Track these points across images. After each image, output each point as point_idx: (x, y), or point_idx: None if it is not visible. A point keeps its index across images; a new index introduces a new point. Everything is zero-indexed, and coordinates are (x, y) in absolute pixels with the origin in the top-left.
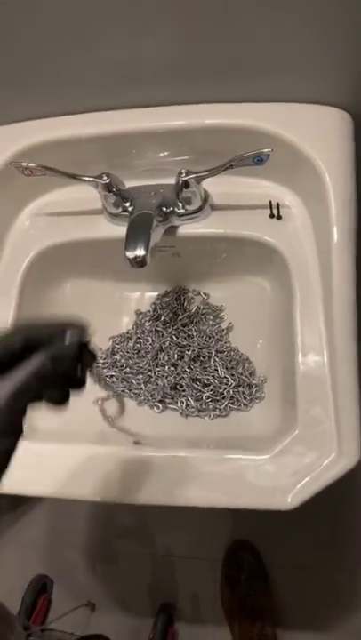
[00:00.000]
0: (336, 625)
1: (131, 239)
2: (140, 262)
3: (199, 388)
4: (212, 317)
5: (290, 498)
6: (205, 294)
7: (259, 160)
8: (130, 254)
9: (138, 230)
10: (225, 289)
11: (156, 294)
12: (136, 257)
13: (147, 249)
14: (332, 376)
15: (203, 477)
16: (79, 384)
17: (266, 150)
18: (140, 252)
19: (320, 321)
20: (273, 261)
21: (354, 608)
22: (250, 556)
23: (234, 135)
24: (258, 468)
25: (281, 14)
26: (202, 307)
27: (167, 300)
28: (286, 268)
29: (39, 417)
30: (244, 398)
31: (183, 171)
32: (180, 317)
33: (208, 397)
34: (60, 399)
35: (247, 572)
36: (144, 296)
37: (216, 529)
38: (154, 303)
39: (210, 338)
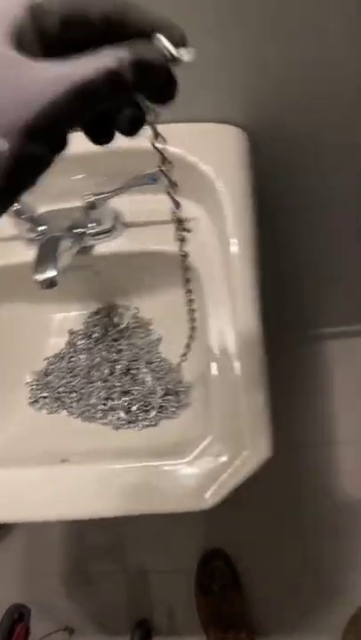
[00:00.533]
0: (309, 627)
1: (38, 262)
2: (49, 284)
3: (129, 400)
4: (142, 330)
5: (207, 497)
6: (136, 308)
7: (154, 179)
8: (38, 277)
9: (45, 253)
10: (153, 302)
11: (87, 312)
12: (45, 279)
13: (55, 270)
14: (242, 379)
15: (126, 487)
16: (168, 96)
17: (153, 171)
18: (49, 273)
19: (230, 326)
20: (187, 271)
21: (325, 609)
22: (222, 564)
23: (136, 156)
24: (177, 473)
25: None
26: (132, 321)
27: (98, 317)
28: (198, 278)
29: None
30: (172, 406)
31: (88, 193)
32: (111, 333)
33: (138, 409)
34: (130, 122)
35: (220, 580)
36: (76, 315)
37: (188, 540)
38: (86, 321)
39: (141, 350)
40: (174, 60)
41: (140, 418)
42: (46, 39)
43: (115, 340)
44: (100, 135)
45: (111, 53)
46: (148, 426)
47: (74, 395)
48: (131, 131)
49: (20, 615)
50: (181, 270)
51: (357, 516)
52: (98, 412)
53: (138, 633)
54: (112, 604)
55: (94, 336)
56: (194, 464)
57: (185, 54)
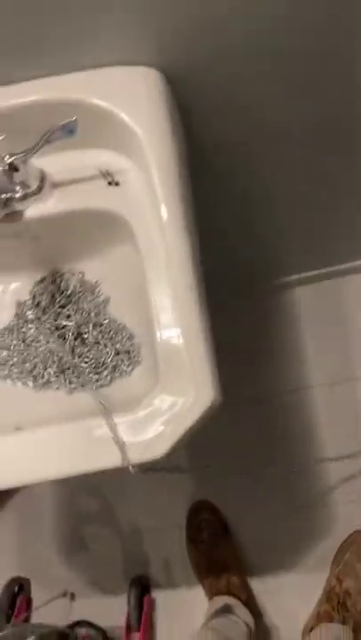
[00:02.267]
0: (299, 563)
1: None
2: None
3: (80, 363)
4: (89, 294)
5: (160, 446)
6: (80, 272)
7: (70, 131)
8: None
9: None
10: (97, 263)
11: (32, 281)
12: None
13: None
14: (182, 328)
15: (81, 446)
16: None
17: (70, 120)
18: None
19: (167, 279)
20: (122, 228)
21: (313, 545)
22: (209, 515)
23: (52, 110)
24: (128, 427)
25: None
26: (78, 285)
27: (44, 284)
28: (132, 232)
29: None
30: (124, 365)
31: (5, 154)
32: (58, 299)
33: (90, 371)
34: None
35: (208, 528)
36: (21, 286)
37: (176, 494)
38: (32, 290)
39: (89, 313)
40: None
41: (92, 379)
42: None
43: (63, 307)
44: None
45: None
46: (101, 386)
47: (27, 365)
48: None
49: (19, 587)
50: (115, 227)
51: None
52: (51, 378)
53: (133, 591)
54: (109, 565)
55: (42, 304)
56: (142, 417)
57: None
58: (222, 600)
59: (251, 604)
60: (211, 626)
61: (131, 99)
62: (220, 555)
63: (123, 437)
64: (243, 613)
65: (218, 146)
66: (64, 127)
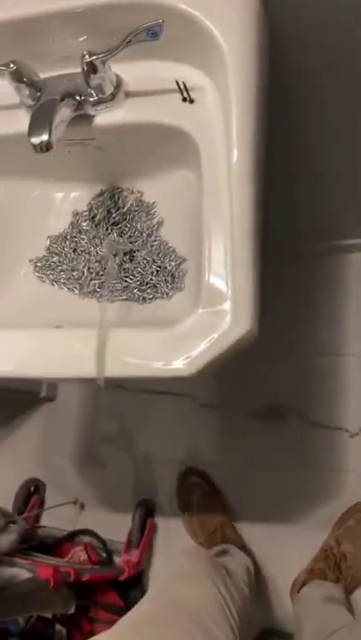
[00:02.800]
0: (302, 519)
1: (33, 125)
2: (43, 147)
3: (125, 277)
4: (144, 214)
5: (189, 365)
6: (139, 192)
7: (153, 34)
8: (33, 140)
9: (40, 116)
10: (157, 185)
11: (91, 194)
12: (41, 142)
13: (49, 133)
14: (233, 258)
15: (112, 351)
16: None
17: (157, 21)
18: (44, 137)
19: (225, 208)
20: (189, 149)
21: (317, 505)
22: (197, 479)
23: (137, 12)
24: (161, 342)
25: None
26: (135, 204)
27: (101, 199)
28: (198, 156)
29: None
30: (167, 287)
31: (86, 52)
32: (114, 215)
33: (135, 287)
34: None
35: (198, 491)
36: (80, 196)
37: (196, 432)
38: (89, 203)
39: (141, 233)
40: None
41: (135, 296)
42: None
43: (116, 224)
44: None
45: None
46: (143, 302)
47: (75, 273)
48: None
49: (35, 488)
50: (183, 146)
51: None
52: (96, 288)
53: (139, 510)
54: (120, 485)
55: (97, 218)
56: (177, 334)
57: None
58: (219, 547)
59: (247, 549)
60: (210, 556)
61: (223, 12)
62: (211, 514)
63: (153, 350)
64: (240, 555)
65: (300, 79)
66: (149, 29)
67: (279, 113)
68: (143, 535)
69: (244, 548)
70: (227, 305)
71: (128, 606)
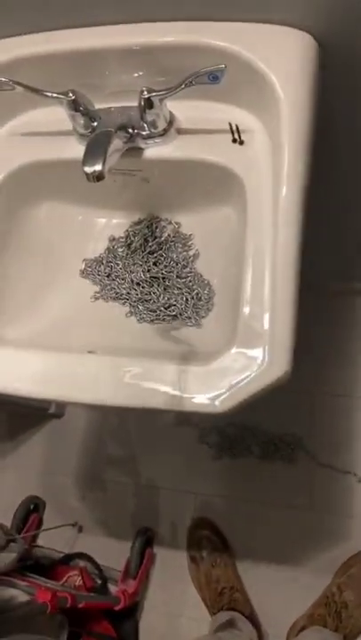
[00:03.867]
0: (304, 564)
1: (88, 154)
2: (96, 177)
3: (159, 306)
4: (180, 245)
5: (221, 403)
6: (177, 223)
7: (214, 78)
8: (87, 169)
9: (96, 146)
10: (195, 218)
11: (129, 222)
12: (94, 171)
13: (103, 164)
14: (273, 297)
15: (142, 383)
16: None
17: (219, 66)
18: (97, 167)
19: (268, 248)
20: (234, 188)
21: (321, 549)
22: (208, 532)
23: (200, 55)
24: (195, 376)
25: None
26: (172, 235)
27: (139, 227)
28: (244, 195)
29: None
30: (199, 316)
31: (145, 89)
32: (151, 244)
33: (167, 315)
34: None
35: (208, 545)
36: (118, 223)
37: (201, 463)
38: (127, 230)
39: (177, 264)
40: None
41: (165, 320)
42: None
43: (152, 253)
44: None
45: None
46: (171, 330)
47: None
48: None
49: (35, 506)
50: (228, 185)
51: None
52: (127, 314)
53: (140, 539)
54: (121, 511)
55: (133, 245)
56: (213, 371)
57: None
58: (226, 615)
59: (253, 618)
60: (216, 636)
61: (283, 62)
62: (220, 571)
63: (186, 384)
64: (246, 627)
65: (345, 131)
66: (210, 73)
67: (322, 156)
68: (142, 565)
69: (251, 615)
70: (265, 345)
71: (120, 636)
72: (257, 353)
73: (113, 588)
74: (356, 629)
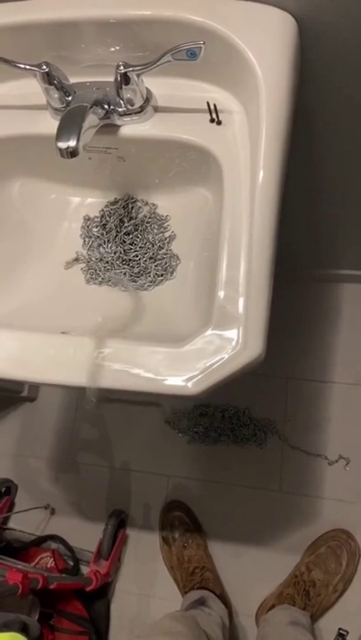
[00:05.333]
0: (273, 543)
1: (62, 130)
2: (70, 152)
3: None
4: (156, 226)
5: (194, 385)
6: (153, 204)
7: (192, 54)
8: (60, 144)
9: (70, 121)
10: (172, 199)
11: (105, 201)
12: (67, 147)
13: (78, 140)
14: (248, 282)
15: (112, 362)
16: None
17: (198, 42)
18: (71, 142)
19: (245, 231)
20: (211, 169)
21: (291, 529)
22: (180, 514)
23: (173, 29)
24: (168, 357)
25: None
26: (148, 216)
27: (115, 207)
28: (220, 177)
29: None
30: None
31: (121, 63)
32: (126, 225)
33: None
34: None
35: (180, 528)
36: (93, 202)
37: (175, 447)
38: (102, 210)
39: (152, 245)
40: None
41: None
42: None
43: (128, 234)
44: None
45: None
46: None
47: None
48: None
49: (7, 489)
50: (205, 166)
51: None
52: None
53: (112, 520)
54: (94, 494)
55: (108, 226)
56: (186, 352)
57: None
58: (197, 593)
59: (224, 596)
60: (188, 613)
61: (262, 40)
62: (192, 552)
63: (159, 366)
64: (217, 606)
65: (323, 115)
66: (189, 49)
67: (299, 141)
68: (114, 546)
69: (222, 594)
70: (239, 327)
71: (92, 617)
72: (231, 334)
73: (85, 569)
74: (323, 608)
